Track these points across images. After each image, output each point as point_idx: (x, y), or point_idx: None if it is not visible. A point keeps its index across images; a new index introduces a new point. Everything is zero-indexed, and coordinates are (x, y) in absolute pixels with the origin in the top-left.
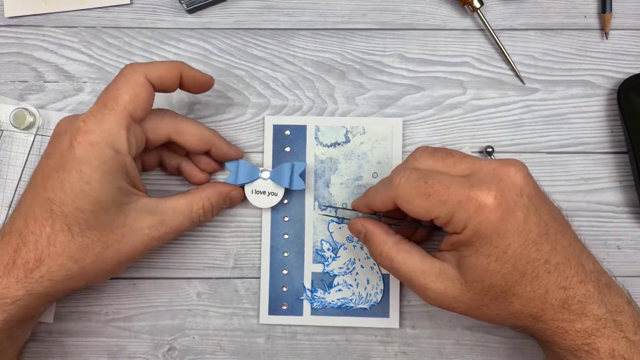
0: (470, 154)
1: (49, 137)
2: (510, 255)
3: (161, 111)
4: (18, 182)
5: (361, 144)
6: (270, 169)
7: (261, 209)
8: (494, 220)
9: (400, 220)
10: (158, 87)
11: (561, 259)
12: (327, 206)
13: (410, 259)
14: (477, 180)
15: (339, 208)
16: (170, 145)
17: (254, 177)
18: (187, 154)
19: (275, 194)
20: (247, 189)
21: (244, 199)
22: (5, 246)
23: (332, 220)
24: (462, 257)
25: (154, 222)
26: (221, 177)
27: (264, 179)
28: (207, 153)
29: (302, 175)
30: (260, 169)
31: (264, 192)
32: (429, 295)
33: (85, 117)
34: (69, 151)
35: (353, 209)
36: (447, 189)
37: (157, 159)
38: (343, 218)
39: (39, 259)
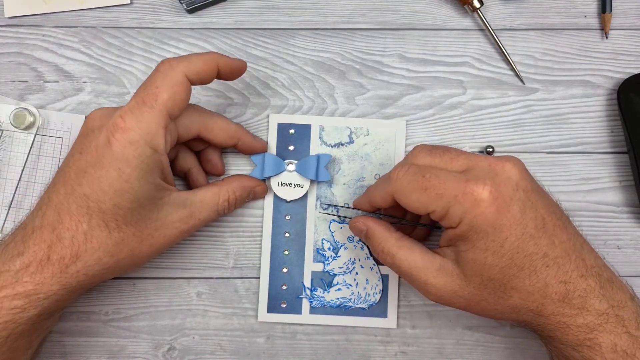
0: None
1: (48, 136)
2: (507, 249)
3: (191, 107)
4: (18, 182)
5: (364, 145)
6: (296, 161)
7: (263, 208)
8: (489, 214)
9: (400, 219)
10: (196, 82)
11: (560, 252)
12: (329, 205)
13: (412, 255)
14: (473, 176)
15: (341, 207)
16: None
17: (279, 169)
18: (200, 156)
19: (301, 186)
20: (273, 182)
21: (267, 193)
22: (38, 241)
23: (334, 220)
24: (460, 251)
25: (184, 215)
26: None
27: (290, 171)
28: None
29: (327, 167)
30: (286, 161)
31: (290, 184)
32: (429, 290)
33: (123, 114)
34: (106, 148)
35: (354, 208)
36: (444, 183)
37: (174, 154)
38: (344, 217)
39: (75, 254)
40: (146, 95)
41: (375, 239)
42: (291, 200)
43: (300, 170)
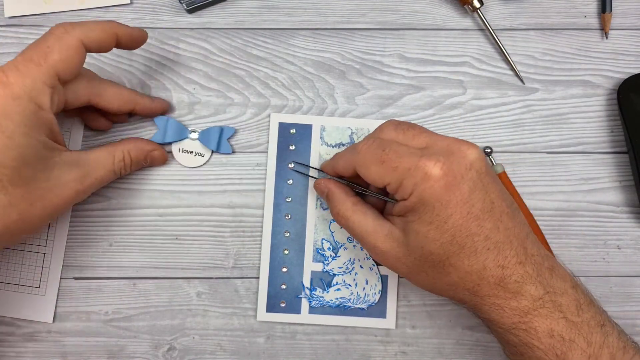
0: None
1: None
2: (450, 226)
3: (80, 74)
4: None
5: None
6: (199, 130)
7: (264, 207)
8: (437, 189)
9: (365, 188)
10: (93, 50)
11: (502, 238)
12: (299, 164)
13: (364, 219)
14: (429, 152)
15: (312, 168)
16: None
17: (182, 136)
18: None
19: (202, 155)
20: (175, 147)
21: (166, 160)
22: None
23: (334, 220)
24: (407, 222)
25: (79, 175)
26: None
27: (192, 139)
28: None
29: (230, 140)
30: (190, 129)
31: (191, 152)
32: (376, 252)
33: (7, 69)
34: None
35: (321, 170)
36: (400, 158)
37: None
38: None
39: None
40: (35, 53)
41: (333, 201)
42: (190, 168)
43: (202, 140)
